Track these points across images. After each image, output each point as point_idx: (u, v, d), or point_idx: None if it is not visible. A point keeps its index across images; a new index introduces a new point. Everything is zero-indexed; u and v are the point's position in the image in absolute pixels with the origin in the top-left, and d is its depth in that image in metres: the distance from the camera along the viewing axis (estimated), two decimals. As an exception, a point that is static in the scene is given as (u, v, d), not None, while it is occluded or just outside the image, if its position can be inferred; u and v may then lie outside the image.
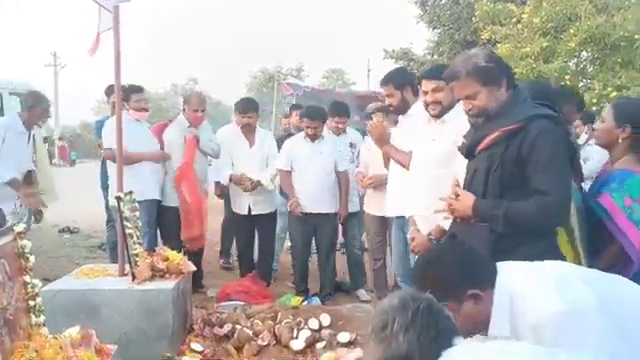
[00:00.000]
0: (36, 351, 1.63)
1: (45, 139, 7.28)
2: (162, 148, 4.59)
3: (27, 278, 1.78)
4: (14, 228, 1.77)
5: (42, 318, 1.80)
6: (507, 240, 2.03)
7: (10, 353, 1.58)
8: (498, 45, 12.47)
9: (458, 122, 2.76)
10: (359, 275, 4.85)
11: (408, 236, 3.07)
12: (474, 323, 1.52)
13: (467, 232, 2.18)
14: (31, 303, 1.78)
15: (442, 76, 2.43)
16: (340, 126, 5.03)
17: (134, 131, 4.17)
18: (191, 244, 4.43)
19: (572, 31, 10.30)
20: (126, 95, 4.28)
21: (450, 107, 2.85)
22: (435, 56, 18.72)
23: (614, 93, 8.79)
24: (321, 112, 4.74)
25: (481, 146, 2.14)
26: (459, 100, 2.88)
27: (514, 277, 1.54)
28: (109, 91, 4.42)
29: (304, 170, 4.54)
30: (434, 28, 18.04)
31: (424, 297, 1.40)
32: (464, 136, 2.38)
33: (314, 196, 4.51)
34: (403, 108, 3.42)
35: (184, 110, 4.63)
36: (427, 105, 2.86)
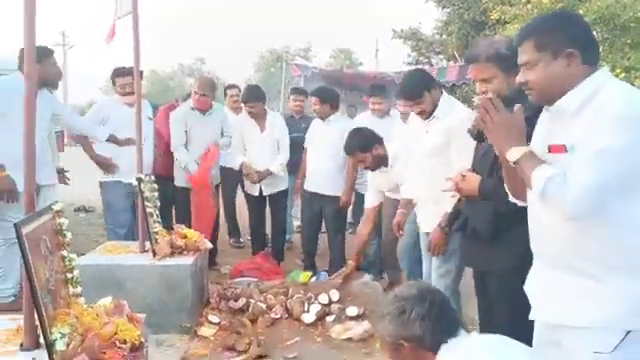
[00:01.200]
0: (76, 318, 1.80)
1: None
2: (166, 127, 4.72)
3: (65, 253, 1.94)
4: (52, 207, 1.93)
5: (79, 289, 1.96)
6: (507, 219, 2.19)
7: (53, 319, 1.75)
8: (507, 25, 12.42)
9: (447, 118, 2.91)
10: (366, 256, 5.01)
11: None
12: None
13: (472, 210, 2.35)
14: (69, 275, 1.94)
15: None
16: (377, 107, 5.11)
17: (121, 115, 4.22)
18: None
19: (581, 11, 10.25)
20: (113, 78, 4.34)
21: (435, 106, 2.96)
22: (444, 36, 18.61)
23: (623, 74, 8.77)
24: (323, 90, 4.93)
25: None
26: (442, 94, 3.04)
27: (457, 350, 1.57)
28: (114, 75, 4.42)
29: (314, 149, 4.70)
30: (443, 7, 17.89)
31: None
32: (475, 119, 2.52)
33: (321, 177, 4.66)
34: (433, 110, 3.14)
35: (195, 93, 4.74)
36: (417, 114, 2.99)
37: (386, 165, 3.62)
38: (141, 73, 3.64)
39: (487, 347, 1.57)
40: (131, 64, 4.44)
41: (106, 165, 4.25)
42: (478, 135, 2.39)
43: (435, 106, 2.95)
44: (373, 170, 3.70)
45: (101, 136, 4.08)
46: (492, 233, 2.26)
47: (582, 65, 1.61)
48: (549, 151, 1.66)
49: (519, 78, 1.73)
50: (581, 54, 1.61)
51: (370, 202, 3.83)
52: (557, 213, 1.64)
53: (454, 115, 2.88)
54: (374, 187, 3.81)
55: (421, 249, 3.21)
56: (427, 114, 2.95)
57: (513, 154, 1.62)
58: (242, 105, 5.16)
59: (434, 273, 2.92)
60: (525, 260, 1.91)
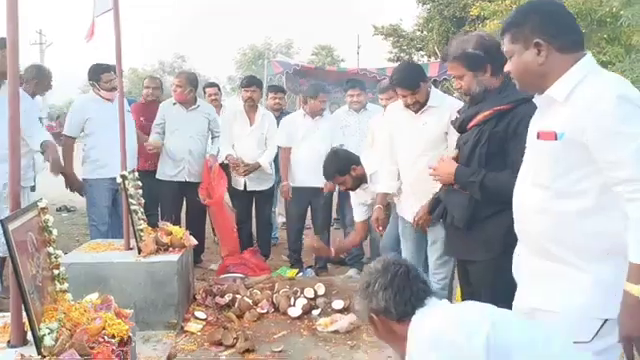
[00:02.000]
0: (64, 313, 1.81)
1: (40, 120, 7.34)
2: (143, 125, 4.79)
3: (51, 249, 1.95)
4: (38, 204, 1.93)
5: (66, 285, 1.97)
6: (485, 209, 2.25)
7: (41, 315, 1.75)
8: (487, 21, 12.57)
9: (441, 105, 2.98)
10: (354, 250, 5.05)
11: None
12: (387, 337, 1.66)
13: (449, 198, 2.41)
14: (55, 272, 1.94)
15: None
16: (354, 99, 5.10)
17: (102, 112, 4.23)
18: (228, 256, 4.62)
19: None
20: (96, 75, 4.32)
21: (427, 97, 3.03)
22: (424, 32, 18.77)
23: (599, 69, 8.92)
24: (324, 88, 5.02)
25: (473, 122, 2.34)
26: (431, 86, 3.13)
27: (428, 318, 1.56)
28: (98, 72, 4.41)
29: (301, 145, 4.71)
30: (423, 4, 18.03)
31: (404, 263, 1.66)
32: (458, 111, 2.60)
33: (309, 170, 4.69)
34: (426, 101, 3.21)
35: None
36: (407, 105, 3.02)
37: (365, 182, 3.64)
38: None
39: (452, 314, 1.56)
40: (110, 62, 4.47)
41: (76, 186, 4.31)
42: (460, 126, 2.46)
43: (427, 97, 3.03)
44: (354, 190, 3.71)
45: (33, 144, 3.67)
46: (468, 221, 2.32)
47: (558, 54, 1.65)
48: (538, 137, 1.71)
49: (506, 68, 1.80)
50: (551, 43, 1.64)
51: (359, 216, 3.80)
52: (539, 201, 1.70)
53: (449, 105, 2.95)
54: (358, 202, 3.80)
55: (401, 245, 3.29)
56: (420, 105, 3.01)
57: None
58: (222, 103, 5.21)
59: (432, 278, 2.97)
60: (506, 248, 1.96)
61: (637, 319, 1.46)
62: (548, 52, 1.65)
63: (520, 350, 1.43)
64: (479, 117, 2.31)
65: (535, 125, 1.76)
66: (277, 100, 5.63)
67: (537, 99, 1.76)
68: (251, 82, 4.94)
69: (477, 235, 2.31)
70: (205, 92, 6.01)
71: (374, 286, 1.59)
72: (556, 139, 1.62)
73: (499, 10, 12.02)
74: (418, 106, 3.00)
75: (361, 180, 3.63)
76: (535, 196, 1.71)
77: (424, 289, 1.61)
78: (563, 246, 1.66)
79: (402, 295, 1.56)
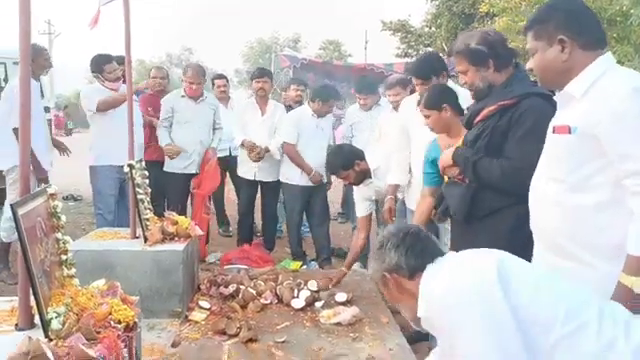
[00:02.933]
0: (71, 298, 1.83)
1: (47, 109, 7.38)
2: (151, 116, 4.83)
3: (59, 235, 1.97)
4: (47, 190, 1.95)
5: (73, 270, 1.99)
6: (490, 204, 2.26)
7: (49, 299, 1.78)
8: (496, 18, 12.50)
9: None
10: None
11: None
12: (400, 297, 1.70)
13: (449, 191, 2.47)
14: (63, 257, 1.96)
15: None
16: (362, 102, 5.11)
17: None
18: None
19: (569, 6, 10.34)
20: (98, 66, 4.34)
21: None
22: (433, 28, 18.68)
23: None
24: (334, 93, 5.06)
25: (479, 117, 2.35)
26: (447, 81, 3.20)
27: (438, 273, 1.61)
28: (101, 62, 4.41)
29: (306, 144, 4.74)
30: (432, 0, 17.93)
31: (415, 226, 1.77)
32: (467, 108, 2.63)
33: (315, 168, 4.74)
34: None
35: (182, 80, 4.84)
36: (420, 95, 3.08)
37: (369, 177, 3.67)
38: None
39: (461, 261, 1.62)
40: (117, 53, 4.50)
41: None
42: (467, 122, 2.48)
43: None
44: (357, 185, 3.73)
45: None
46: (466, 213, 2.33)
47: (581, 51, 1.67)
48: (553, 132, 1.75)
49: (527, 65, 1.84)
50: (574, 40, 1.67)
51: (361, 212, 3.84)
52: (554, 195, 1.71)
53: (463, 99, 2.98)
54: (361, 197, 3.83)
55: None
56: None
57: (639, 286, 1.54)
58: (230, 95, 5.27)
59: None
60: (512, 245, 1.97)
61: (628, 307, 1.52)
62: (572, 49, 1.68)
63: (525, 275, 1.51)
64: (484, 112, 2.33)
65: (553, 121, 1.79)
66: (299, 92, 5.62)
67: (557, 96, 1.79)
68: (262, 73, 5.02)
69: (482, 231, 2.32)
70: (214, 84, 6.03)
71: (387, 246, 1.68)
72: (570, 133, 1.65)
73: (508, 7, 11.95)
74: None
75: (365, 175, 3.66)
76: (550, 190, 1.75)
77: (434, 247, 1.69)
78: (576, 242, 1.68)
79: (413, 251, 1.64)
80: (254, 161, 4.81)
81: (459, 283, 1.50)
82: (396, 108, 4.36)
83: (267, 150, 4.80)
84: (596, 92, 1.61)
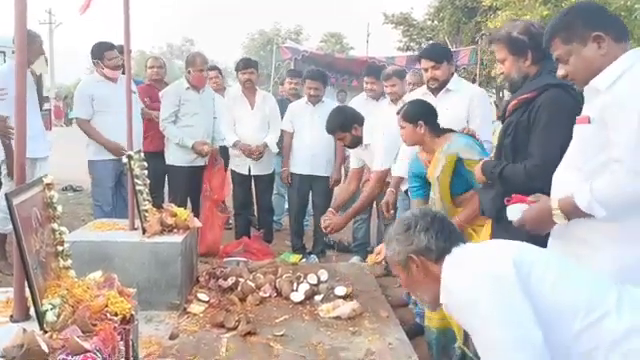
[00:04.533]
0: (67, 290, 1.80)
1: (46, 99, 7.33)
2: (148, 106, 4.77)
3: (55, 225, 1.93)
4: (43, 179, 1.92)
5: (69, 262, 1.96)
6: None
7: (44, 291, 1.75)
8: (499, 12, 12.43)
9: (462, 90, 3.05)
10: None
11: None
12: (422, 280, 1.72)
13: (482, 193, 2.47)
14: (59, 248, 1.93)
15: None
16: (369, 87, 4.97)
17: (107, 92, 4.22)
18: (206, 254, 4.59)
19: (573, 0, 10.28)
20: (99, 53, 4.26)
21: (446, 81, 3.20)
22: (435, 22, 18.58)
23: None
24: (322, 74, 4.92)
25: (507, 113, 2.33)
26: (453, 73, 3.23)
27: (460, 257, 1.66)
28: (102, 50, 4.34)
29: (303, 133, 4.70)
30: (435, -7, 17.81)
31: (438, 211, 1.85)
32: (494, 101, 2.64)
33: (311, 159, 4.70)
34: (447, 82, 3.36)
35: (189, 72, 4.68)
36: (427, 80, 3.09)
37: (360, 144, 3.81)
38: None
39: (484, 249, 1.69)
40: (118, 43, 4.44)
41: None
42: (503, 116, 2.43)
43: (447, 80, 3.24)
44: (351, 148, 3.94)
45: None
46: (497, 212, 2.27)
47: (614, 44, 1.70)
48: (576, 123, 1.78)
49: (559, 73, 1.84)
50: (607, 33, 1.69)
51: (354, 164, 4.10)
52: (570, 184, 1.75)
53: (470, 89, 3.00)
54: (355, 155, 4.07)
55: None
56: (439, 85, 3.23)
57: (559, 218, 1.74)
58: (227, 88, 5.20)
59: None
60: (545, 239, 1.96)
61: (537, 219, 1.82)
62: (608, 42, 1.70)
63: (539, 263, 1.54)
64: (509, 107, 2.31)
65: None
66: (294, 85, 5.58)
67: (584, 90, 1.80)
68: (248, 64, 4.87)
69: (513, 231, 2.27)
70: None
71: (415, 228, 1.70)
72: (589, 122, 1.68)
73: (512, 1, 11.88)
74: (437, 85, 3.06)
75: (360, 140, 3.77)
76: (567, 178, 1.78)
77: (458, 233, 1.75)
78: (582, 227, 1.72)
79: (442, 234, 1.68)
80: (256, 160, 4.75)
81: (477, 271, 1.53)
82: (394, 101, 4.34)
83: (265, 146, 4.74)
84: (621, 85, 1.63)
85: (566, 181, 1.79)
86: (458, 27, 16.11)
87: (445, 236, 1.68)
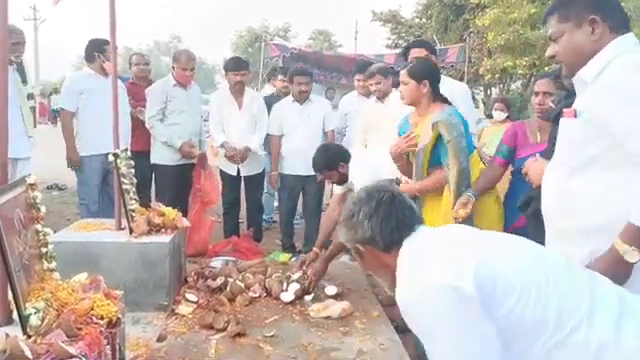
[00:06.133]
0: (51, 293, 1.76)
1: (30, 95, 7.21)
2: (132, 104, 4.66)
3: (39, 227, 1.89)
4: (26, 179, 1.87)
5: (54, 264, 1.91)
6: None
7: (27, 294, 1.70)
8: (487, 10, 12.49)
9: (445, 85, 3.05)
10: None
11: None
12: (376, 268, 1.62)
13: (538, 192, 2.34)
14: (43, 250, 1.89)
15: None
16: (361, 84, 4.91)
17: (97, 87, 4.16)
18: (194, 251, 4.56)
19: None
20: (98, 47, 4.19)
21: None
22: (423, 19, 18.62)
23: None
24: (309, 71, 4.93)
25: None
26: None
27: (420, 244, 1.51)
28: (101, 44, 4.26)
29: (293, 133, 4.66)
30: (423, -9, 17.84)
31: (389, 189, 1.58)
32: (552, 101, 2.62)
33: (302, 158, 4.65)
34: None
35: (173, 68, 4.63)
36: None
37: (346, 181, 3.64)
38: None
39: (442, 250, 1.47)
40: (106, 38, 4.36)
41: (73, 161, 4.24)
42: (557, 118, 2.36)
43: None
44: (340, 184, 3.74)
45: None
46: (535, 208, 2.22)
47: (609, 34, 1.62)
48: (562, 116, 1.73)
49: (548, 52, 1.75)
50: (604, 20, 1.61)
51: (338, 190, 3.86)
52: (556, 179, 1.70)
53: (453, 85, 3.01)
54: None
55: None
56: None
57: (632, 255, 1.52)
58: (218, 79, 5.14)
59: None
60: None
61: (609, 270, 1.53)
62: (602, 30, 1.62)
63: (504, 274, 1.37)
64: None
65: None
66: (286, 83, 5.54)
67: (574, 82, 1.73)
68: (242, 65, 4.74)
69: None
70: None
71: (358, 215, 1.54)
72: (575, 116, 1.63)
73: (500, -1, 11.93)
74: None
75: (346, 178, 3.64)
76: (554, 174, 1.75)
77: (410, 216, 1.55)
78: (572, 223, 1.68)
79: (388, 223, 1.50)
80: (239, 163, 4.69)
81: (433, 281, 1.36)
82: (381, 98, 4.34)
83: (248, 150, 4.67)
84: (605, 75, 1.57)
85: (551, 177, 1.76)
86: (446, 25, 16.16)
87: (392, 225, 1.50)
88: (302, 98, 4.69)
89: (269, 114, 4.85)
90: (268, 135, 4.79)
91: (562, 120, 1.72)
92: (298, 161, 4.67)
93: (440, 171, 2.75)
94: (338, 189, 3.85)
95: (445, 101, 2.96)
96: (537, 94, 2.76)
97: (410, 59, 3.31)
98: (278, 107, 4.78)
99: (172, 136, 4.47)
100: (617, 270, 1.53)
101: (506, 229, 2.83)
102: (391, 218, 1.51)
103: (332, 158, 3.62)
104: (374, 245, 1.53)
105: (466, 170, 2.67)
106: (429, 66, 2.99)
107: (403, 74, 2.92)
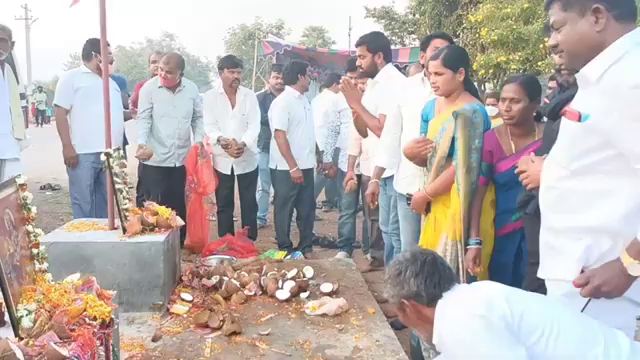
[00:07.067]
0: (43, 294, 1.74)
1: (22, 95, 7.14)
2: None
3: (30, 227, 1.87)
4: (16, 180, 1.85)
5: (45, 265, 1.89)
6: None
7: (19, 295, 1.68)
8: (480, 5, 12.48)
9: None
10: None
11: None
12: (416, 321, 1.76)
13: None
14: (34, 251, 1.87)
15: None
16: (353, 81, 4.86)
17: (92, 85, 4.13)
18: (193, 248, 4.58)
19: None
20: (96, 47, 4.10)
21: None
22: (417, 15, 18.58)
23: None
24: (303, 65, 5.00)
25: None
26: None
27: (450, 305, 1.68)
28: (93, 45, 4.23)
29: (297, 128, 4.65)
30: (416, -14, 17.80)
31: (430, 252, 1.86)
32: (546, 97, 2.52)
33: (305, 153, 4.70)
34: (372, 72, 3.60)
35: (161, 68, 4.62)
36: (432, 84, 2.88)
37: (372, 77, 3.67)
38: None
39: (474, 291, 1.70)
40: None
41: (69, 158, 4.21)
42: (552, 112, 2.30)
43: (375, 70, 3.52)
44: (365, 71, 3.68)
45: None
46: (536, 208, 2.20)
47: (614, 22, 1.54)
48: (564, 114, 1.67)
49: (550, 41, 1.68)
50: (609, 9, 1.54)
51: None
52: (553, 178, 1.71)
53: None
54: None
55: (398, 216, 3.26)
56: (365, 73, 3.58)
57: (634, 269, 1.53)
58: (212, 76, 5.13)
59: None
60: None
61: (614, 283, 1.54)
62: (607, 19, 1.54)
63: (532, 312, 1.56)
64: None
65: (571, 103, 1.70)
66: (280, 80, 5.49)
67: (577, 77, 1.66)
68: (237, 63, 4.71)
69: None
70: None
71: (405, 273, 1.73)
72: (579, 121, 1.57)
73: (492, -6, 11.91)
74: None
75: (376, 70, 3.58)
76: (552, 171, 1.72)
77: (450, 275, 1.76)
78: (564, 218, 1.68)
79: (432, 280, 1.71)
80: (234, 157, 4.65)
81: (470, 312, 1.57)
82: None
83: (243, 145, 4.61)
84: (609, 79, 1.51)
85: (549, 175, 1.75)
86: (439, 20, 16.13)
87: (435, 282, 1.71)
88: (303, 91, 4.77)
89: (267, 110, 4.85)
90: (276, 130, 4.71)
91: (564, 120, 1.68)
92: (306, 154, 4.72)
93: (448, 170, 2.68)
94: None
95: (474, 93, 2.86)
96: (504, 100, 2.60)
97: (431, 50, 3.22)
98: (283, 102, 4.68)
99: (142, 134, 4.48)
100: (618, 282, 1.55)
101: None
102: (435, 276, 1.71)
103: (380, 42, 3.65)
104: (418, 300, 1.71)
105: (474, 173, 2.62)
106: (463, 52, 2.90)
107: (436, 65, 2.76)
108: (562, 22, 1.61)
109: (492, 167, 2.65)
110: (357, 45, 3.66)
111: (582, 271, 1.62)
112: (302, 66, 4.90)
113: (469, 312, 1.57)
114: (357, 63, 3.67)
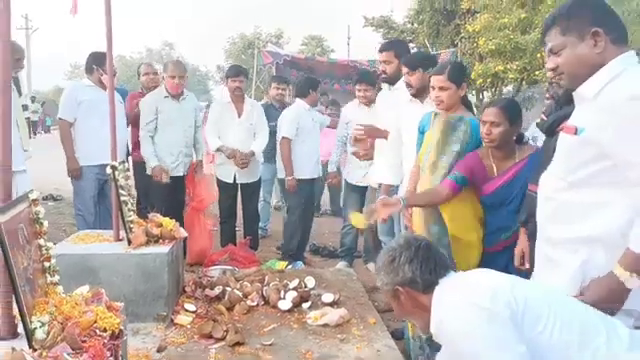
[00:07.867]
0: (55, 306, 1.79)
1: (25, 107, 7.22)
2: (134, 115, 4.69)
3: (42, 241, 1.92)
4: (29, 195, 1.90)
5: (57, 278, 1.94)
6: None
7: (32, 308, 1.73)
8: (477, 15, 12.60)
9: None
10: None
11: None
12: (412, 310, 1.74)
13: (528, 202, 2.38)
14: (46, 264, 1.92)
15: None
16: (362, 94, 4.58)
17: (95, 98, 4.19)
18: (196, 259, 4.63)
19: (549, 2, 10.45)
20: (99, 60, 4.21)
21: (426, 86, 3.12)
22: (415, 24, 18.72)
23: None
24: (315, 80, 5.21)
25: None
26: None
27: (447, 290, 1.66)
28: (96, 59, 4.30)
29: (304, 140, 4.76)
30: (414, -4, 17.93)
31: (423, 238, 1.80)
32: (543, 112, 2.59)
33: (312, 163, 4.80)
34: (395, 78, 3.63)
35: (163, 78, 4.68)
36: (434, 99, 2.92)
37: (394, 84, 3.72)
38: None
39: (474, 279, 1.67)
40: (95, 49, 4.40)
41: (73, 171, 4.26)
42: (549, 129, 2.34)
43: (398, 77, 3.51)
44: (388, 76, 3.73)
45: None
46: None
47: (611, 45, 1.63)
48: (562, 129, 1.74)
49: (548, 65, 1.74)
50: (607, 33, 1.62)
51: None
52: (551, 190, 1.75)
53: None
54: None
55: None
56: (388, 79, 3.65)
57: (630, 282, 1.56)
58: (211, 85, 5.22)
59: None
60: None
61: (608, 296, 1.59)
62: (605, 42, 1.63)
63: (536, 300, 1.54)
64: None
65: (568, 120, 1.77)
66: (280, 91, 5.59)
67: (574, 95, 1.74)
68: (239, 72, 4.83)
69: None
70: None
71: (399, 259, 1.70)
72: (576, 134, 1.65)
73: (490, 3, 12.04)
74: (413, 91, 3.21)
75: (399, 77, 3.54)
76: (550, 183, 1.78)
77: (445, 261, 1.73)
78: (561, 229, 1.73)
79: (427, 265, 1.67)
80: (241, 167, 4.71)
81: (470, 300, 1.53)
82: (367, 104, 4.39)
83: (252, 154, 4.71)
84: (605, 96, 1.58)
85: (546, 187, 1.80)
86: (437, 30, 16.27)
87: (430, 267, 1.68)
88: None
89: (270, 121, 4.93)
90: (282, 138, 4.75)
91: (562, 135, 1.74)
92: (310, 165, 4.84)
93: (434, 188, 2.73)
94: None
95: (469, 106, 2.95)
96: (484, 123, 2.63)
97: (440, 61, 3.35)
98: (294, 114, 4.80)
99: (150, 156, 4.49)
100: (614, 296, 1.57)
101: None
102: (430, 261, 1.68)
103: (405, 49, 3.76)
104: (413, 286, 1.68)
105: (439, 174, 2.73)
106: (463, 67, 3.01)
107: (441, 80, 2.80)
108: (562, 46, 1.69)
109: (467, 179, 2.68)
110: (383, 50, 3.67)
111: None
112: (314, 82, 5.08)
113: (471, 301, 1.53)
114: (381, 68, 3.70)
